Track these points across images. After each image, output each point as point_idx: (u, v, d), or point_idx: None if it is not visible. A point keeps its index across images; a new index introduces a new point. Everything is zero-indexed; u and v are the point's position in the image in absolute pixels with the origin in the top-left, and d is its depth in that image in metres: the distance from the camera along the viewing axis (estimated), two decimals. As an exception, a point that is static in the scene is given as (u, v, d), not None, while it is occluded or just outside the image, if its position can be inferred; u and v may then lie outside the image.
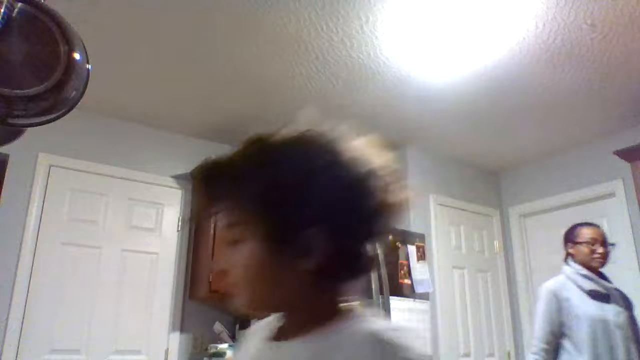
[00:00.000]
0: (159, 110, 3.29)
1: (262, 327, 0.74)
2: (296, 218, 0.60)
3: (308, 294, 0.63)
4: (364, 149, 0.68)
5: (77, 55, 0.93)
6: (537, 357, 2.28)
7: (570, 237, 2.51)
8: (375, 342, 0.59)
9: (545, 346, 2.27)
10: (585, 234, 2.42)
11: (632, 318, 2.33)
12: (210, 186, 0.67)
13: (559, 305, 2.29)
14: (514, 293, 4.00)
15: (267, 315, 0.73)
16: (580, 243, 2.41)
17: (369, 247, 0.64)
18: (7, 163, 2.75)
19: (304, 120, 0.67)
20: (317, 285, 0.63)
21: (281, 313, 0.69)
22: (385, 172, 0.68)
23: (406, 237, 3.14)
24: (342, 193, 0.61)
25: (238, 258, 0.65)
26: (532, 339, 2.37)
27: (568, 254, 2.50)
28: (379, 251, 0.58)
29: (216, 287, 3.01)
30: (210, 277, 3.05)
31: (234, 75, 2.84)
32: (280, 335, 0.68)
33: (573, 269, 2.40)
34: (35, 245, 2.91)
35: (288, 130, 0.67)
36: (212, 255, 3.08)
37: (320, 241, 0.60)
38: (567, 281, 2.37)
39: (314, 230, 0.60)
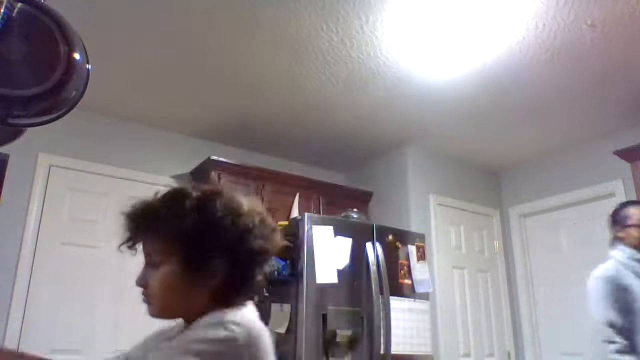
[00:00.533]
0: (159, 110, 3.29)
1: (165, 331, 1.00)
2: (208, 252, 0.86)
3: (205, 305, 0.86)
4: (252, 207, 0.92)
5: (77, 55, 0.93)
6: (617, 346, 2.02)
7: (617, 220, 2.24)
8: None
9: (618, 333, 2.02)
10: (635, 215, 2.17)
11: None
12: (140, 221, 0.89)
13: (620, 294, 2.04)
14: (514, 293, 4.00)
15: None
16: (630, 226, 2.16)
17: (255, 274, 0.90)
18: (7, 163, 2.75)
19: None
20: (213, 299, 0.87)
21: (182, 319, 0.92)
22: (266, 224, 0.92)
23: (406, 237, 3.14)
24: (240, 236, 0.87)
25: (156, 277, 0.88)
26: (602, 327, 2.08)
27: (616, 238, 2.23)
28: (262, 277, 0.95)
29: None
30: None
31: (234, 76, 2.84)
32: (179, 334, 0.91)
33: (625, 254, 2.14)
34: (35, 245, 2.91)
35: (202, 188, 0.92)
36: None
37: (223, 268, 0.87)
38: (620, 267, 2.12)
39: (219, 260, 0.86)
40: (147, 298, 0.90)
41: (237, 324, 0.80)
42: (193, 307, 0.87)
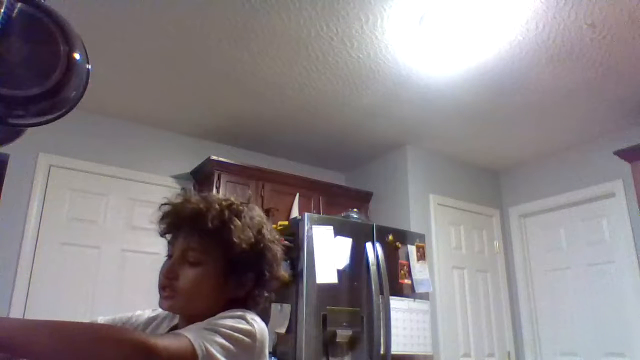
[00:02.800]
0: (159, 110, 3.29)
1: (158, 322, 1.05)
2: (247, 265, 0.94)
3: (222, 308, 0.90)
4: (274, 232, 1.01)
5: (77, 55, 0.93)
6: None
7: None
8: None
9: None
10: None
11: None
12: (200, 219, 0.91)
13: None
14: (514, 293, 4.00)
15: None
16: None
17: (268, 291, 0.99)
18: (7, 163, 2.74)
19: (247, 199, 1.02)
20: (230, 305, 0.92)
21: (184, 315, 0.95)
22: (282, 256, 1.01)
23: (406, 237, 3.14)
24: (272, 260, 0.97)
25: (192, 274, 0.90)
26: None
27: None
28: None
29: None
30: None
31: (234, 76, 2.84)
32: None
33: None
34: (35, 245, 2.91)
35: (246, 203, 0.99)
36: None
37: (251, 282, 0.95)
38: None
39: (250, 274, 0.95)
40: (172, 291, 0.90)
41: (256, 321, 0.87)
42: (211, 309, 0.89)
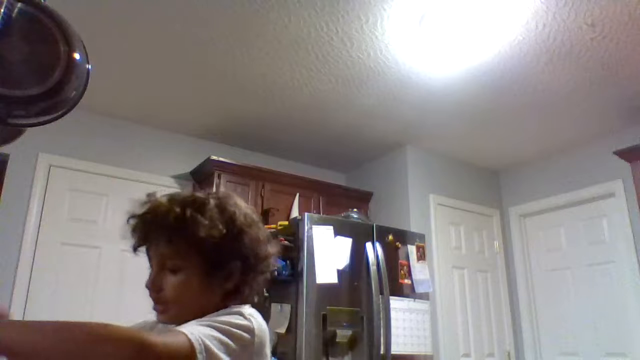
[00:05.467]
0: (159, 111, 3.29)
1: (150, 327, 1.02)
2: (228, 257, 0.91)
3: (217, 305, 0.90)
4: (258, 218, 0.98)
5: (77, 55, 0.93)
6: None
7: None
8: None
9: None
10: None
11: None
12: (159, 224, 0.89)
13: None
14: (514, 293, 4.00)
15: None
16: None
17: (262, 276, 0.97)
18: (7, 163, 2.75)
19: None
20: (225, 300, 0.92)
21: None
22: (268, 235, 0.98)
23: (406, 237, 3.14)
24: (252, 243, 0.93)
25: (175, 282, 0.89)
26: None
27: None
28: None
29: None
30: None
31: (234, 76, 2.84)
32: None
33: None
34: (35, 245, 2.91)
35: (215, 194, 0.95)
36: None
37: (237, 270, 0.92)
38: None
39: (234, 263, 0.91)
40: (161, 304, 0.90)
41: (254, 317, 0.86)
42: (207, 309, 0.88)
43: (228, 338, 0.77)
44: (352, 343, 2.68)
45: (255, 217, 0.97)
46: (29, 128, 0.99)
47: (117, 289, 3.08)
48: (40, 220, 2.95)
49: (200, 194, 0.94)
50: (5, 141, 1.08)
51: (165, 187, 3.35)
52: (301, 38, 2.48)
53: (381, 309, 2.78)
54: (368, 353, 2.71)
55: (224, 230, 0.89)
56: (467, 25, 2.36)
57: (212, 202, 0.92)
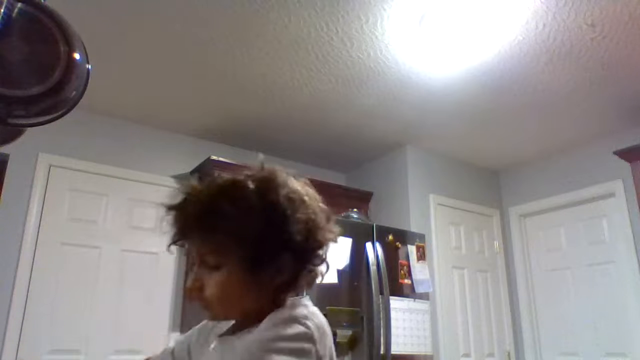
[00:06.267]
0: (159, 110, 3.29)
1: (212, 325, 0.92)
2: (275, 249, 0.79)
3: (269, 301, 0.81)
4: (312, 195, 0.85)
5: (77, 55, 0.93)
6: None
7: None
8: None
9: None
10: None
11: None
12: (194, 217, 0.79)
13: None
14: (514, 293, 4.00)
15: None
16: None
17: (318, 266, 0.85)
18: (7, 163, 2.75)
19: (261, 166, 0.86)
20: (277, 295, 0.81)
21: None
22: (325, 212, 0.85)
23: (406, 237, 3.14)
24: (301, 230, 0.79)
25: (216, 280, 0.79)
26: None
27: None
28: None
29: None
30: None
31: (234, 76, 2.84)
32: (234, 330, 0.85)
33: None
34: (35, 245, 2.91)
35: (256, 176, 0.83)
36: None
37: (289, 263, 0.80)
38: None
39: (285, 255, 0.79)
40: (206, 303, 0.81)
41: (310, 319, 0.77)
42: (259, 305, 0.81)
43: (292, 356, 0.71)
44: (352, 343, 2.68)
45: (306, 197, 0.83)
46: (29, 128, 0.99)
47: (117, 289, 3.07)
48: (40, 220, 2.95)
49: (240, 178, 0.82)
50: (5, 141, 1.08)
51: (165, 187, 3.34)
52: (301, 38, 2.48)
53: (381, 309, 2.78)
54: (368, 353, 2.71)
55: (265, 219, 0.78)
56: (467, 25, 2.36)
57: (251, 186, 0.80)
